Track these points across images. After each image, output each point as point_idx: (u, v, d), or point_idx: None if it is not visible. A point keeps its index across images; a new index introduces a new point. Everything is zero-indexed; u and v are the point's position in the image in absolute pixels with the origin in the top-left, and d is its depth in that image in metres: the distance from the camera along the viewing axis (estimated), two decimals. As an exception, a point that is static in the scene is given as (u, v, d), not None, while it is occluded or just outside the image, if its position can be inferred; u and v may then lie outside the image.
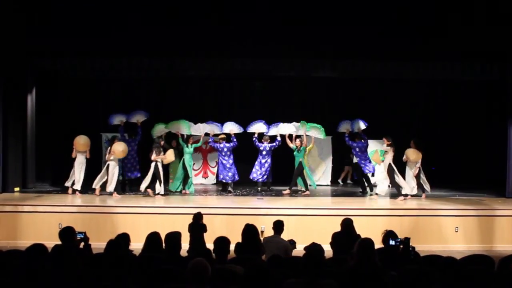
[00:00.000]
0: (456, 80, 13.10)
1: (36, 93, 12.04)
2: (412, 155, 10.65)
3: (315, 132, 11.74)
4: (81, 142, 10.76)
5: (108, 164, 10.69)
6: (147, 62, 11.62)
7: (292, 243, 6.48)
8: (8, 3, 10.76)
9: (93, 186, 10.74)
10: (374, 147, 13.44)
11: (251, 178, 11.72)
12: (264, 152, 11.59)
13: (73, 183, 10.82)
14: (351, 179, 14.06)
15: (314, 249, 4.21)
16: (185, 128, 11.58)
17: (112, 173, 10.65)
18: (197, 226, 7.41)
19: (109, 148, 10.91)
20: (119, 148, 10.67)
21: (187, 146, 11.42)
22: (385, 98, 14.28)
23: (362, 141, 11.82)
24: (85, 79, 13.74)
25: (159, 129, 11.73)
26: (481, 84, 13.26)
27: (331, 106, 14.47)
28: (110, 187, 10.60)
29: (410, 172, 10.81)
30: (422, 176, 10.82)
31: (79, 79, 13.66)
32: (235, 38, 11.03)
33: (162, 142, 11.32)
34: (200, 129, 11.80)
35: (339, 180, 13.95)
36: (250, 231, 5.99)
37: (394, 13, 10.85)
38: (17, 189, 11.31)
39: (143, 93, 14.54)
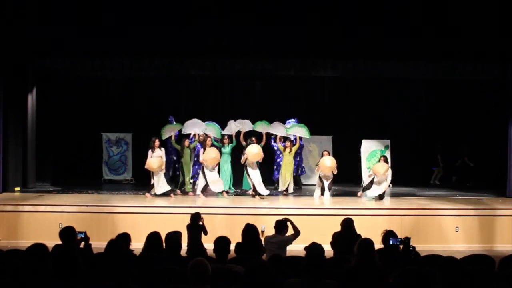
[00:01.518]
0: (456, 80, 13.09)
1: (36, 92, 12.04)
2: (381, 169, 10.46)
3: (298, 131, 11.50)
4: (155, 166, 10.43)
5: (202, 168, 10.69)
6: (147, 62, 11.62)
7: (283, 222, 6.51)
8: (8, 3, 10.76)
9: (198, 193, 10.74)
10: (374, 147, 13.47)
11: (274, 179, 11.87)
12: (278, 152, 11.73)
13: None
14: (439, 180, 14.13)
15: (314, 248, 4.21)
16: (217, 132, 11.53)
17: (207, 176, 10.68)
18: (195, 227, 7.22)
19: (201, 150, 10.88)
20: (211, 156, 10.57)
21: (223, 147, 11.38)
22: (385, 98, 14.29)
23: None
24: (85, 79, 13.76)
25: (169, 129, 11.57)
26: (481, 84, 13.25)
27: (331, 106, 14.47)
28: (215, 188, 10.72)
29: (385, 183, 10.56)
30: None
31: (79, 79, 13.69)
32: (235, 38, 11.03)
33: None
34: (232, 128, 11.64)
35: (433, 181, 14.05)
36: (250, 231, 5.99)
37: (394, 13, 10.85)
38: (17, 188, 11.31)
39: (143, 93, 14.56)
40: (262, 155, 10.71)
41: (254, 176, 10.60)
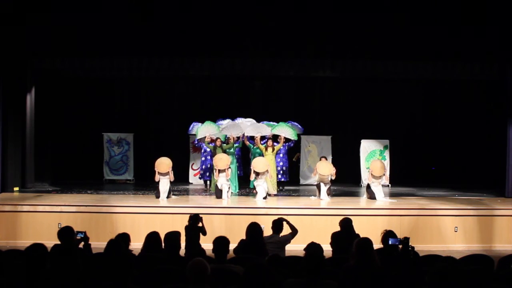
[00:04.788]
0: (456, 80, 13.13)
1: (35, 92, 12.03)
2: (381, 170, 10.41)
3: (285, 131, 11.21)
4: (163, 163, 10.12)
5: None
6: (147, 62, 11.61)
7: (279, 222, 6.52)
8: (8, 3, 10.75)
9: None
10: (373, 147, 13.48)
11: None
12: (281, 154, 11.58)
13: None
14: None
15: (313, 248, 4.21)
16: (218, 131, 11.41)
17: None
18: (194, 229, 7.12)
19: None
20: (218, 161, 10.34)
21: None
22: (385, 98, 14.30)
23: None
24: (85, 79, 13.77)
25: (205, 129, 11.34)
26: (480, 84, 13.28)
27: (330, 106, 14.49)
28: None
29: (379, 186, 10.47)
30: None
31: (79, 79, 13.70)
32: (234, 38, 11.03)
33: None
34: (241, 128, 11.41)
35: None
36: (255, 229, 5.95)
37: (393, 12, 10.85)
38: (16, 188, 11.30)
39: (143, 92, 14.57)
40: (268, 165, 10.35)
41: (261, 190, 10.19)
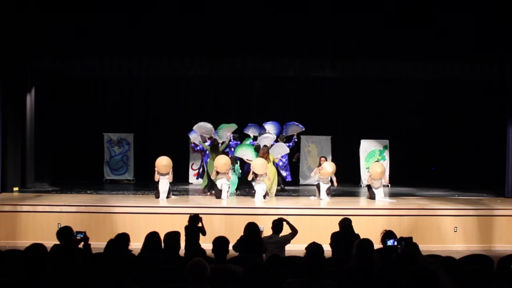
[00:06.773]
0: (456, 80, 13.12)
1: (35, 92, 12.02)
2: (379, 169, 10.36)
3: (246, 153, 11.07)
4: (163, 163, 10.09)
5: None
6: (146, 62, 11.60)
7: (280, 222, 6.51)
8: (7, 3, 10.75)
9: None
10: (373, 147, 13.47)
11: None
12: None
13: None
14: None
15: (314, 248, 4.21)
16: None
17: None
18: (193, 229, 7.14)
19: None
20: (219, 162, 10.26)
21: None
22: (385, 98, 14.28)
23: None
24: (84, 79, 13.77)
25: (226, 130, 11.33)
26: (480, 84, 13.27)
27: (330, 106, 14.48)
28: None
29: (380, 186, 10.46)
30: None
31: (79, 79, 13.69)
32: (234, 38, 11.03)
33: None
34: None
35: None
36: (252, 229, 5.97)
37: (393, 12, 10.85)
38: (16, 189, 11.29)
39: (143, 92, 14.56)
40: (267, 168, 10.28)
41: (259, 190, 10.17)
